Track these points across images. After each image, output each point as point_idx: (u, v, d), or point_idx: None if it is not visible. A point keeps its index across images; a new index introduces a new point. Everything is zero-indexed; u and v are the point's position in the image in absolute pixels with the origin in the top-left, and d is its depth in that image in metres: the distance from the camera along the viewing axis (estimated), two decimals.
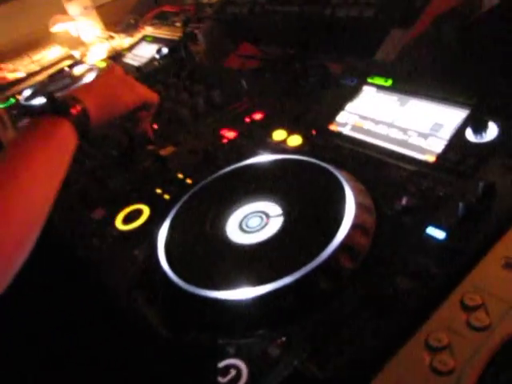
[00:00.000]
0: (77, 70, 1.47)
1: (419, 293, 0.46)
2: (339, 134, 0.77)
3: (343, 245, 0.52)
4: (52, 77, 1.47)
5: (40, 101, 1.23)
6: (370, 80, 0.82)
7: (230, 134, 0.86)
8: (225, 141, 0.85)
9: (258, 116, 0.89)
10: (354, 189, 0.59)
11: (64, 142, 0.61)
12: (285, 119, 0.85)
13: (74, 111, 0.62)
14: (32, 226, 0.50)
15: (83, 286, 0.64)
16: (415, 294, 0.46)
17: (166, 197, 0.73)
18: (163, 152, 0.86)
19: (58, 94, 1.10)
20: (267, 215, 0.62)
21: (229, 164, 0.75)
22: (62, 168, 0.58)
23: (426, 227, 0.54)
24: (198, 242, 0.61)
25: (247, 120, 0.89)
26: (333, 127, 0.79)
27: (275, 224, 0.60)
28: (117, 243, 0.68)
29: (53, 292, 0.89)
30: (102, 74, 0.80)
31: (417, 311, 0.45)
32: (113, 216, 0.73)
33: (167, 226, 0.64)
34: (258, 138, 0.81)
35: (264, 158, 0.73)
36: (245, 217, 0.63)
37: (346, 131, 0.77)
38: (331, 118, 0.81)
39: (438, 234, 0.53)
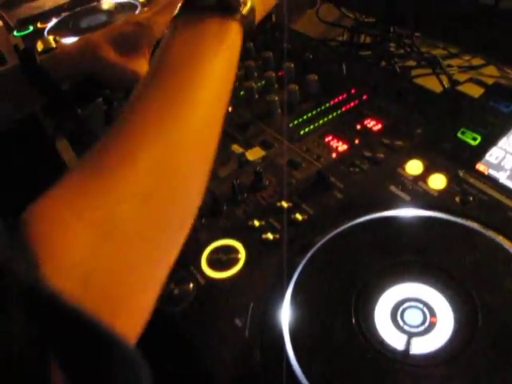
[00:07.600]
0: (107, 2, 1.16)
1: None
2: (491, 181, 0.59)
3: None
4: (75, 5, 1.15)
5: (70, 40, 0.95)
6: None
7: (339, 145, 0.67)
8: (334, 155, 0.65)
9: (372, 124, 0.69)
10: None
11: (233, 50, 0.44)
12: (410, 138, 0.66)
13: (243, 9, 0.44)
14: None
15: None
16: None
17: (270, 236, 0.55)
18: (250, 155, 0.66)
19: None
20: (430, 309, 0.46)
21: (350, 198, 0.57)
22: (231, 82, 0.44)
23: None
24: (342, 340, 0.44)
25: (358, 127, 0.69)
26: (481, 167, 0.61)
27: (446, 327, 0.44)
28: (206, 300, 0.50)
29: None
30: None
31: None
32: (197, 251, 0.54)
33: (288, 301, 0.47)
34: (385, 165, 0.62)
35: (427, 213, 0.53)
36: (398, 305, 0.46)
37: (503, 179, 0.60)
38: (479, 153, 0.63)
39: None
